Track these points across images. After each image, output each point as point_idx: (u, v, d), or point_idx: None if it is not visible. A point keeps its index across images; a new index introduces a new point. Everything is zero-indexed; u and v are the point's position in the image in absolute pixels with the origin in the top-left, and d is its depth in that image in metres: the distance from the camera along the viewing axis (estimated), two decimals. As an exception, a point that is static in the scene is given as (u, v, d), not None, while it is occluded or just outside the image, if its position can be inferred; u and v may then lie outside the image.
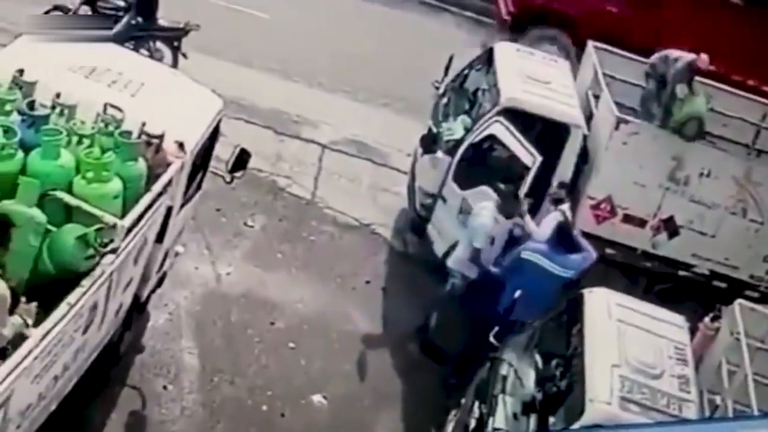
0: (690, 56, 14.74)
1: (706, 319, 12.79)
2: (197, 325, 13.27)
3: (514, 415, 11.29)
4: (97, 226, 9.17)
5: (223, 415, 12.25)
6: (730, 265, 14.89)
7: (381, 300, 14.60)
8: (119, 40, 14.26)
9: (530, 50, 16.04)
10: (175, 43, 16.43)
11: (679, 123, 14.42)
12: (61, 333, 8.78)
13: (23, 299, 8.78)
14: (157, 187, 10.23)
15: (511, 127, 13.96)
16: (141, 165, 10.06)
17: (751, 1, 19.92)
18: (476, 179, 14.16)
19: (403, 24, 21.23)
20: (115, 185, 9.61)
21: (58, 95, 10.12)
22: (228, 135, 13.00)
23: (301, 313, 13.96)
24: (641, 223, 14.69)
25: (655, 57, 15.21)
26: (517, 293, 12.51)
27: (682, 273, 15.04)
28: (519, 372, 11.75)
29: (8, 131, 9.28)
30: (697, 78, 14.92)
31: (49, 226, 9.08)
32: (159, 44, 16.38)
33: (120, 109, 10.26)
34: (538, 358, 11.96)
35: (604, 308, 11.72)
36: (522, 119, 14.08)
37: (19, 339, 8.40)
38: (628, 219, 14.65)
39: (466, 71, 15.74)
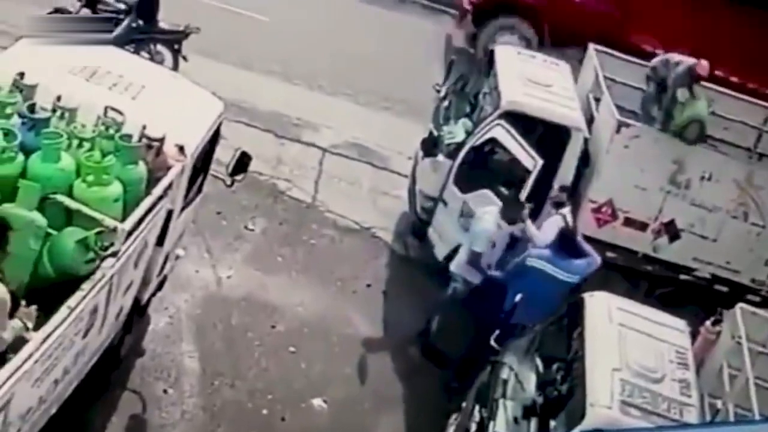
0: (690, 61, 14.74)
1: (708, 323, 12.77)
2: (198, 328, 13.26)
3: (515, 419, 11.27)
4: (98, 229, 9.17)
5: (224, 419, 12.23)
6: (731, 269, 14.86)
7: (381, 303, 14.58)
8: (120, 42, 14.24)
9: (531, 53, 16.02)
10: (176, 46, 16.42)
11: (680, 126, 14.40)
12: (62, 336, 8.77)
13: (23, 302, 8.76)
14: (157, 190, 10.21)
15: (512, 131, 13.95)
16: (141, 168, 10.04)
17: None
18: (477, 182, 14.15)
19: (403, 26, 21.21)
20: (116, 188, 9.60)
21: (58, 98, 10.12)
22: (228, 138, 12.98)
23: (302, 316, 13.94)
24: (642, 226, 14.66)
25: (656, 60, 15.26)
26: (518, 297, 12.49)
27: (683, 277, 15.00)
28: (520, 376, 11.73)
29: (9, 134, 9.27)
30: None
31: (50, 230, 9.07)
32: (159, 47, 16.37)
33: (120, 112, 10.25)
34: (539, 361, 11.94)
35: (605, 312, 11.70)
36: (523, 122, 14.06)
37: (20, 342, 8.38)
38: (629, 222, 14.63)
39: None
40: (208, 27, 16.79)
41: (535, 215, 13.77)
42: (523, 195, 13.87)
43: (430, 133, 15.13)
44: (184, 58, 16.37)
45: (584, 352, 11.21)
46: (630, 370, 10.90)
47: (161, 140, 10.36)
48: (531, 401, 11.43)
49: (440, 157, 14.42)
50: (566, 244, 13.00)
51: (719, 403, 11.67)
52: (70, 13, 15.78)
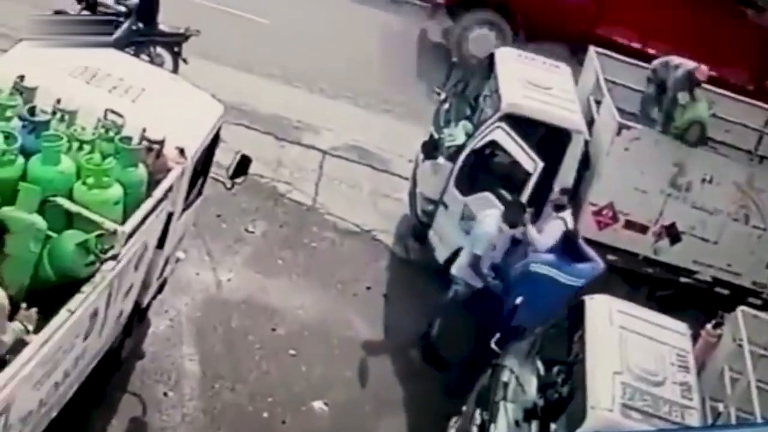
0: (690, 64, 14.75)
1: (709, 326, 12.72)
2: (198, 331, 13.24)
3: (516, 422, 11.26)
4: (98, 232, 9.14)
5: (224, 422, 12.22)
6: (732, 272, 14.87)
7: (382, 306, 14.57)
8: (120, 45, 14.24)
9: (531, 56, 16.01)
10: (176, 49, 16.39)
11: (681, 128, 14.40)
12: (62, 339, 8.76)
13: (24, 305, 8.73)
14: (157, 193, 10.20)
15: (513, 133, 13.95)
16: (141, 171, 10.03)
17: None
18: (478, 185, 14.16)
19: (403, 29, 21.17)
20: (116, 191, 9.59)
21: (58, 101, 10.10)
22: (228, 141, 12.97)
23: (302, 319, 13.93)
24: (643, 229, 14.67)
25: (656, 62, 15.29)
26: (519, 299, 12.48)
27: (684, 279, 15.02)
28: (520, 379, 11.72)
29: (9, 137, 9.26)
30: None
31: (50, 233, 9.06)
32: (159, 49, 16.34)
33: (120, 115, 10.24)
34: (539, 364, 11.94)
35: (606, 315, 11.68)
36: (523, 125, 14.06)
37: (20, 345, 8.37)
38: (629, 225, 14.63)
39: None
40: (208, 29, 16.75)
41: (535, 218, 13.76)
42: (524, 197, 13.86)
43: (431, 135, 15.13)
44: (184, 60, 16.35)
45: (585, 355, 11.20)
46: (631, 373, 10.88)
47: (161, 143, 10.34)
48: (532, 404, 11.42)
49: (441, 160, 14.41)
50: (569, 248, 12.97)
51: (721, 407, 11.63)
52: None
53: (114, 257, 9.29)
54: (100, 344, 10.34)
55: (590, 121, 14.81)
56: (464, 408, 12.15)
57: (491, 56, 15.60)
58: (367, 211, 16.21)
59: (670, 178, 14.40)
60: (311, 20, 20.15)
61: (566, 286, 12.76)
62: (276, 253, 14.88)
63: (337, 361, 13.52)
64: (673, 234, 14.69)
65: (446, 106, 15.52)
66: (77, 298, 8.90)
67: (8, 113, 9.62)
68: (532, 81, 14.76)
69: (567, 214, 13.57)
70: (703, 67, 14.63)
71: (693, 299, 14.83)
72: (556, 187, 13.95)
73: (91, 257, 9.08)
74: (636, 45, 19.22)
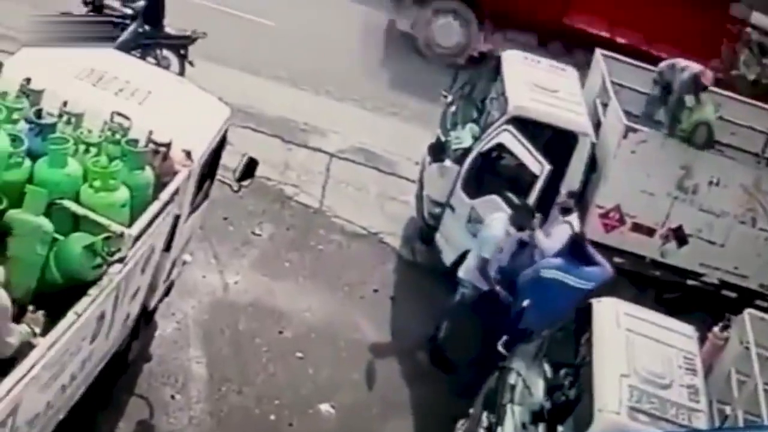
0: (696, 68, 14.74)
1: (716, 329, 12.71)
2: (205, 334, 13.24)
3: (523, 425, 11.25)
4: (105, 235, 9.15)
5: (231, 425, 12.22)
6: (739, 275, 14.85)
7: (389, 309, 14.57)
8: (126, 48, 14.26)
9: (538, 58, 16.01)
10: (182, 51, 16.42)
11: (687, 131, 14.39)
12: (69, 342, 8.76)
13: (31, 308, 8.74)
14: (164, 195, 10.20)
15: (520, 136, 13.95)
16: (148, 173, 10.03)
17: None
18: (485, 188, 14.16)
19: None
20: (123, 194, 9.58)
21: (65, 104, 10.10)
22: (235, 143, 12.99)
23: (309, 322, 13.93)
24: (650, 231, 14.65)
25: (662, 65, 15.26)
26: (526, 302, 12.47)
27: (691, 282, 15.01)
28: (528, 381, 11.70)
29: (16, 140, 9.25)
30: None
31: (57, 235, 9.05)
32: (166, 52, 16.37)
33: (127, 118, 10.24)
34: (546, 367, 11.92)
35: (613, 318, 11.67)
36: (530, 128, 14.07)
37: (27, 348, 8.38)
38: (636, 228, 14.62)
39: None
40: (215, 32, 16.79)
41: (541, 220, 13.75)
42: (531, 200, 13.85)
43: (438, 138, 15.14)
44: (191, 63, 16.38)
45: (592, 358, 11.18)
46: (638, 375, 10.86)
47: (168, 145, 10.34)
48: (539, 407, 11.42)
49: (448, 163, 14.42)
50: (576, 251, 12.94)
51: (728, 409, 11.62)
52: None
53: (121, 260, 9.29)
54: (107, 347, 10.34)
55: (597, 124, 14.80)
56: (471, 410, 12.14)
57: (498, 59, 15.60)
58: (374, 214, 16.21)
59: (676, 180, 14.39)
60: (317, 22, 20.16)
61: (576, 290, 12.72)
62: (283, 256, 14.88)
63: (344, 363, 13.52)
64: (680, 236, 14.67)
65: (453, 108, 15.51)
66: (84, 300, 8.90)
67: (15, 116, 9.60)
68: (539, 84, 14.76)
69: (574, 217, 13.56)
70: (709, 72, 14.63)
71: (700, 302, 14.81)
72: (563, 190, 13.95)
73: (98, 260, 9.08)
74: (605, 35, 19.20)
